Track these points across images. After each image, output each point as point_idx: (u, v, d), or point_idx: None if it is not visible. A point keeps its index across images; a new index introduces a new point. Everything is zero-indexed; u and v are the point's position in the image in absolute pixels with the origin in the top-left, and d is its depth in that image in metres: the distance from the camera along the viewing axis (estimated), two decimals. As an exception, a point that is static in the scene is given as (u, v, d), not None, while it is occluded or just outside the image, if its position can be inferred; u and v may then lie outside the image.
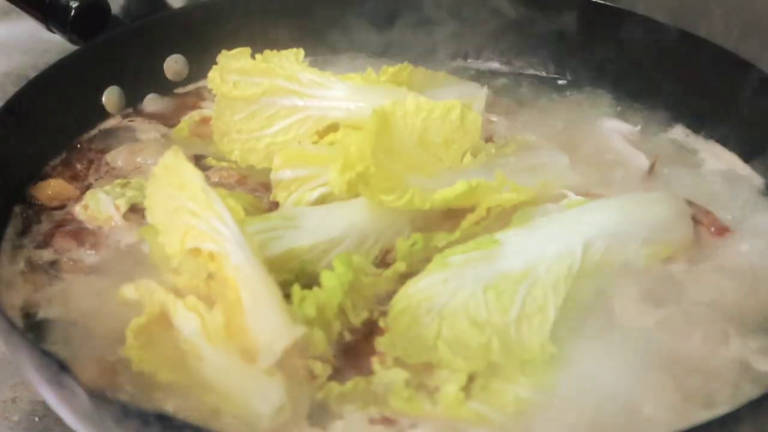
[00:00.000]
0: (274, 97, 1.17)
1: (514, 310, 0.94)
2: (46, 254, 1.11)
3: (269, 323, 0.90)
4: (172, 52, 1.38)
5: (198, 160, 1.22)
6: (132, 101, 1.35)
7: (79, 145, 1.28)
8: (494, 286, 0.95)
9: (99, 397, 0.82)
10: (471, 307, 0.95)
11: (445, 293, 0.96)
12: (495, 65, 1.48)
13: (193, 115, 1.33)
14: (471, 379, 0.92)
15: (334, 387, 0.92)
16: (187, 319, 0.94)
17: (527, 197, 1.07)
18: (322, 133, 1.17)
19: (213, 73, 1.22)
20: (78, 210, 1.16)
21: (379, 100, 1.13)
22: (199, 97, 1.40)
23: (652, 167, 1.24)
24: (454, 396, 0.90)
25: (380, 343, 0.94)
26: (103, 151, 1.27)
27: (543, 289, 0.96)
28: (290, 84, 1.17)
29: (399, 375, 0.92)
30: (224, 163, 1.22)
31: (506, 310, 0.94)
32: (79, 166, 1.24)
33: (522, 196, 1.07)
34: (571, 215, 1.04)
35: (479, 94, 1.24)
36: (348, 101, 1.16)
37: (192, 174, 0.98)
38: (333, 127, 1.16)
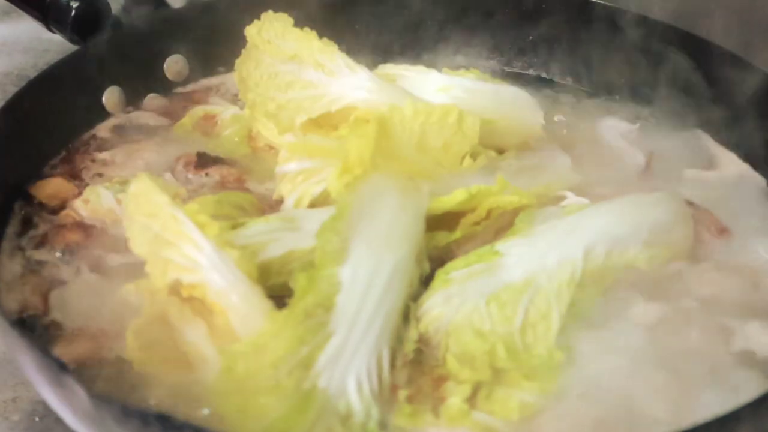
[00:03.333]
0: (300, 66, 1.17)
1: (517, 319, 0.95)
2: (46, 253, 1.11)
3: None
4: (172, 52, 1.38)
5: (201, 157, 1.23)
6: (132, 101, 1.35)
7: (79, 145, 1.28)
8: (496, 298, 0.96)
9: (99, 397, 0.83)
10: (475, 319, 0.95)
11: (449, 311, 0.96)
12: (495, 65, 1.48)
13: (197, 111, 1.33)
14: (475, 389, 0.92)
15: None
16: (193, 322, 0.94)
17: (528, 200, 1.07)
18: (323, 122, 1.16)
19: (252, 26, 1.21)
20: (78, 204, 1.15)
21: (400, 96, 1.13)
22: (202, 94, 1.39)
23: (647, 165, 1.25)
24: (458, 408, 0.90)
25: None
26: (103, 151, 1.27)
27: (546, 297, 0.96)
28: (322, 57, 1.16)
29: (401, 393, 0.92)
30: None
31: (510, 320, 0.95)
32: (79, 166, 1.24)
33: (523, 200, 1.07)
34: (571, 221, 1.04)
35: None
36: (370, 91, 1.15)
37: (161, 200, 0.98)
38: (342, 115, 1.16)
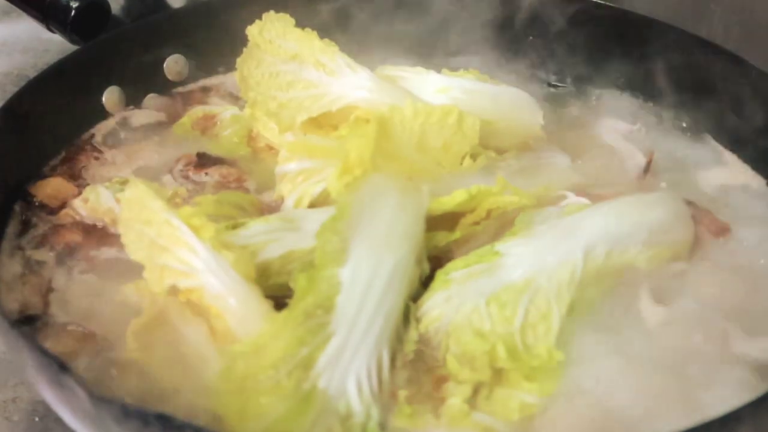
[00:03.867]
0: (301, 65, 1.17)
1: (517, 320, 0.95)
2: (46, 253, 1.11)
3: None
4: (172, 52, 1.38)
5: (201, 157, 1.23)
6: (132, 101, 1.35)
7: (79, 145, 1.28)
8: (496, 298, 0.96)
9: (99, 397, 0.83)
10: (474, 320, 0.95)
11: (449, 312, 0.96)
12: (495, 66, 1.47)
13: (197, 111, 1.33)
14: (476, 389, 0.92)
15: None
16: (193, 323, 0.94)
17: (529, 201, 1.07)
18: (324, 121, 1.16)
19: (253, 26, 1.21)
20: (78, 203, 1.15)
21: (400, 96, 1.14)
22: (202, 94, 1.39)
23: (648, 165, 1.25)
24: (459, 408, 0.90)
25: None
26: (103, 151, 1.27)
27: (546, 297, 0.96)
28: (322, 57, 1.17)
29: (401, 394, 0.92)
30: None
31: (510, 321, 0.95)
32: (78, 166, 1.24)
33: (524, 200, 1.07)
34: (571, 221, 1.04)
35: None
36: (371, 91, 1.15)
37: (155, 206, 0.98)
38: (342, 114, 1.16)
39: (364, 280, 0.93)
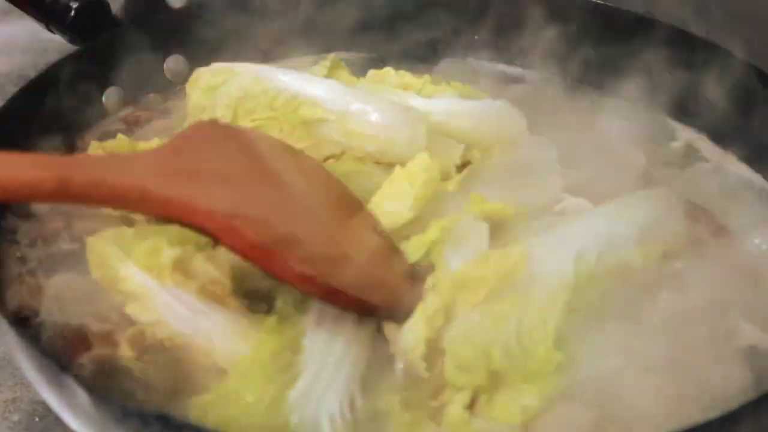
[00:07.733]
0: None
1: (511, 328, 0.93)
2: (45, 253, 1.11)
3: None
4: (172, 52, 1.38)
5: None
6: (132, 101, 1.36)
7: (78, 145, 1.28)
8: (489, 310, 0.94)
9: (99, 397, 0.83)
10: (469, 332, 0.94)
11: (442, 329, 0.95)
12: (494, 65, 1.48)
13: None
14: (475, 396, 0.92)
15: None
16: None
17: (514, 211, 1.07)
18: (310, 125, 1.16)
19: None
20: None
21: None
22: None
23: (647, 165, 1.25)
24: (459, 416, 0.90)
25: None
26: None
27: (540, 307, 0.95)
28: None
29: (397, 400, 0.92)
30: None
31: (504, 330, 0.93)
32: (78, 166, 1.24)
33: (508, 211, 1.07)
34: (562, 228, 1.03)
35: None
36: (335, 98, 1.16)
37: (114, 264, 0.98)
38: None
39: (327, 330, 0.93)
